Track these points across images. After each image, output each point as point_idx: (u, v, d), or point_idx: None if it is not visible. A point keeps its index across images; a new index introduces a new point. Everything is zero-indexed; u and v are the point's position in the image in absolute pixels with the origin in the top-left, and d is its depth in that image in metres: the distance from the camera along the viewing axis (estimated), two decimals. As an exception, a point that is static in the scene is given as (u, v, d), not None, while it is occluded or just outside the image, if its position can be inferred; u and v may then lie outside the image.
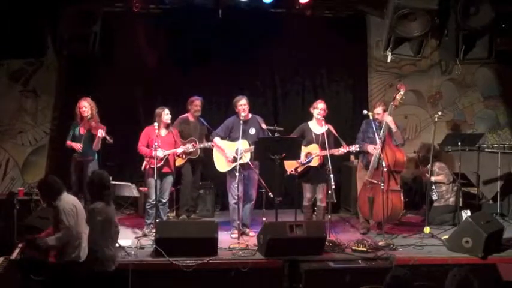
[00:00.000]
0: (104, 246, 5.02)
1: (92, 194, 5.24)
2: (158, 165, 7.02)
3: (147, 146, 7.17)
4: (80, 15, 6.95)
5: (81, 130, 7.14)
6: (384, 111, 7.17)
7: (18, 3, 6.93)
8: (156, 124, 7.07)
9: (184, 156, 7.79)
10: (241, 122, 7.04)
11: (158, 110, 7.24)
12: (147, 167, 7.21)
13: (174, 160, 7.44)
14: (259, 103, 8.72)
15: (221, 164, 7.20)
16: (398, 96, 7.20)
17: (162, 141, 7.12)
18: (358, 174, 7.51)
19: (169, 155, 7.16)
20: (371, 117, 7.05)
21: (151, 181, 7.15)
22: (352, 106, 9.29)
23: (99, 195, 5.12)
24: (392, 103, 7.25)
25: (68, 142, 7.34)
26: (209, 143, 7.54)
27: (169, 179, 7.27)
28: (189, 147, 7.47)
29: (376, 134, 7.03)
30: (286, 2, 8.52)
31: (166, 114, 7.19)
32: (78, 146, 7.19)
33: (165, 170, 7.14)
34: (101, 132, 6.97)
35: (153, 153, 7.01)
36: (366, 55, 9.43)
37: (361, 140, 7.23)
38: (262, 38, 8.72)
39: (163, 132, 7.23)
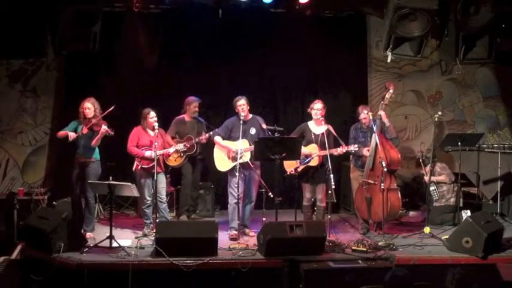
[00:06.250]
0: None
1: None
2: (149, 166, 7.09)
3: (137, 147, 7.20)
4: (80, 15, 6.93)
5: (84, 130, 7.10)
6: (369, 112, 7.22)
7: (18, 3, 6.92)
8: (156, 123, 7.10)
9: (182, 155, 7.81)
10: (241, 122, 7.04)
11: (144, 111, 7.25)
12: (138, 167, 7.22)
13: (164, 160, 7.47)
14: (259, 103, 8.71)
15: (222, 164, 7.20)
16: (387, 95, 7.26)
17: (150, 142, 7.15)
18: (352, 175, 7.53)
19: (159, 155, 7.15)
20: (371, 117, 7.08)
21: (144, 181, 7.18)
22: (352, 106, 9.27)
23: None
24: (382, 102, 7.32)
25: (61, 132, 7.13)
26: (203, 136, 7.55)
27: (161, 178, 7.26)
28: (181, 146, 7.47)
29: (368, 136, 7.16)
30: (286, 2, 8.52)
31: (151, 118, 7.19)
32: (72, 134, 7.01)
33: (157, 170, 7.08)
34: (104, 128, 6.93)
35: (151, 153, 7.06)
36: (366, 55, 9.44)
37: None
38: (262, 38, 8.73)
39: (151, 132, 7.23)
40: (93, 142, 7.02)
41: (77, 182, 7.14)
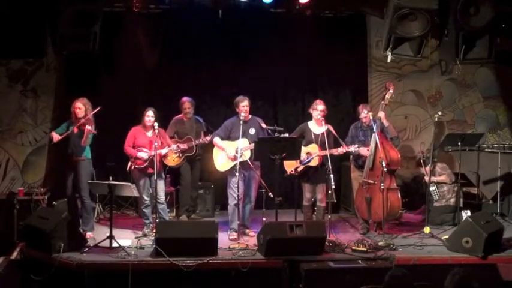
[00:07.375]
0: None
1: None
2: (142, 166, 7.11)
3: (133, 147, 7.20)
4: (80, 15, 6.93)
5: (74, 129, 7.12)
6: (369, 111, 7.22)
7: (18, 3, 6.93)
8: (156, 123, 7.09)
9: (181, 155, 7.79)
10: (241, 122, 7.04)
11: (144, 111, 7.27)
12: (132, 167, 7.22)
13: (161, 160, 7.41)
14: (259, 103, 8.70)
15: (221, 164, 7.20)
16: (388, 95, 7.27)
17: (149, 142, 7.14)
18: (352, 175, 7.54)
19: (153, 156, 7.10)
20: (371, 117, 7.07)
21: (141, 182, 7.18)
22: (352, 106, 9.27)
23: None
24: (382, 102, 7.34)
25: (52, 132, 7.20)
26: (204, 138, 7.54)
27: (159, 179, 7.19)
28: (174, 147, 7.44)
29: (368, 135, 7.15)
30: (286, 2, 8.52)
31: (147, 117, 7.18)
32: (56, 136, 7.04)
33: (151, 170, 7.09)
34: (87, 128, 6.92)
35: (143, 154, 7.07)
36: (366, 55, 9.44)
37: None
38: (262, 38, 8.73)
39: (150, 133, 7.22)
40: (82, 141, 7.03)
41: (69, 181, 7.15)
